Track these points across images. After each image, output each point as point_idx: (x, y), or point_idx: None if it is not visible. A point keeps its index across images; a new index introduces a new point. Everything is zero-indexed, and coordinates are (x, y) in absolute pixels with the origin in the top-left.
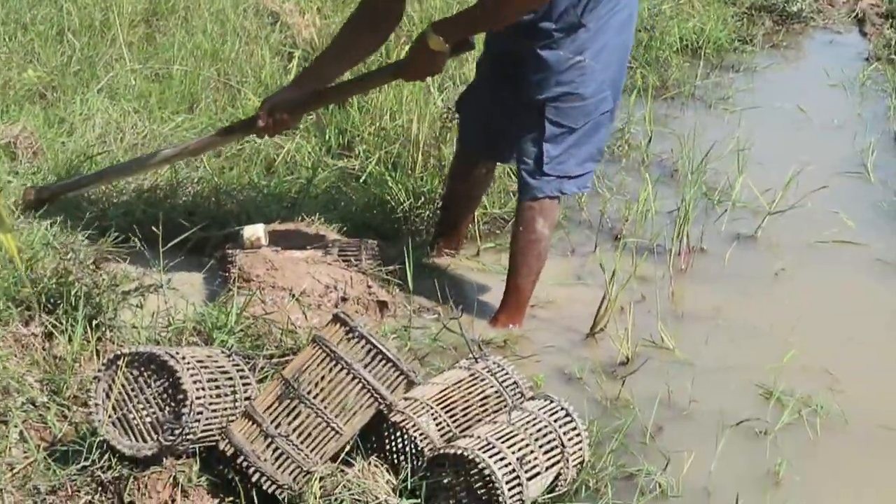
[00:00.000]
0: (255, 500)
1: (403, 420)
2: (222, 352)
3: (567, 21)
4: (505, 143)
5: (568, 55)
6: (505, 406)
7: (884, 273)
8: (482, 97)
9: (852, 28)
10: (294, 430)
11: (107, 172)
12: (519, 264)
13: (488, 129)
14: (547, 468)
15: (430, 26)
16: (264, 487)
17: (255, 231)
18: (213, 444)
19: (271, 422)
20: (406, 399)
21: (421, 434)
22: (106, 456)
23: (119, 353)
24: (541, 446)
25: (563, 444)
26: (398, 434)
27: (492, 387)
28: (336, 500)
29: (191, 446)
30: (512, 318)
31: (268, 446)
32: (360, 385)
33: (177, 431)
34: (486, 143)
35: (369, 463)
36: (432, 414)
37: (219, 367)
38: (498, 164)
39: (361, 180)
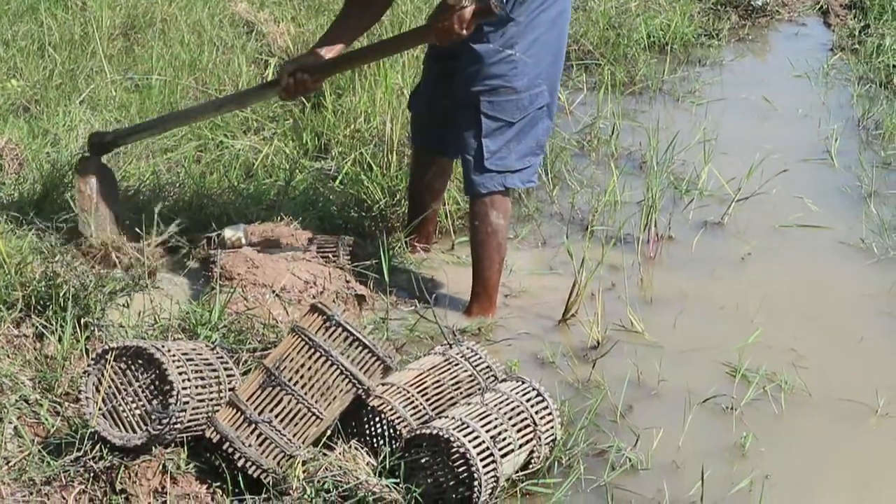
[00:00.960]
0: (241, 485)
1: (381, 404)
2: (207, 346)
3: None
4: (450, 139)
5: (497, 48)
6: (479, 388)
7: (846, 255)
8: (427, 95)
9: (817, 20)
10: (276, 416)
11: (161, 121)
12: (481, 257)
13: (433, 126)
14: (520, 446)
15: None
16: (249, 472)
17: (235, 231)
18: (200, 432)
19: (254, 409)
20: (383, 384)
21: (398, 417)
22: (97, 447)
23: (107, 347)
24: (514, 425)
25: (535, 423)
26: (376, 418)
27: (465, 371)
28: (319, 482)
29: (178, 435)
30: (483, 309)
31: (252, 433)
32: (339, 371)
33: (165, 421)
34: (434, 139)
35: (350, 446)
36: (408, 397)
37: (203, 359)
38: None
39: (338, 181)
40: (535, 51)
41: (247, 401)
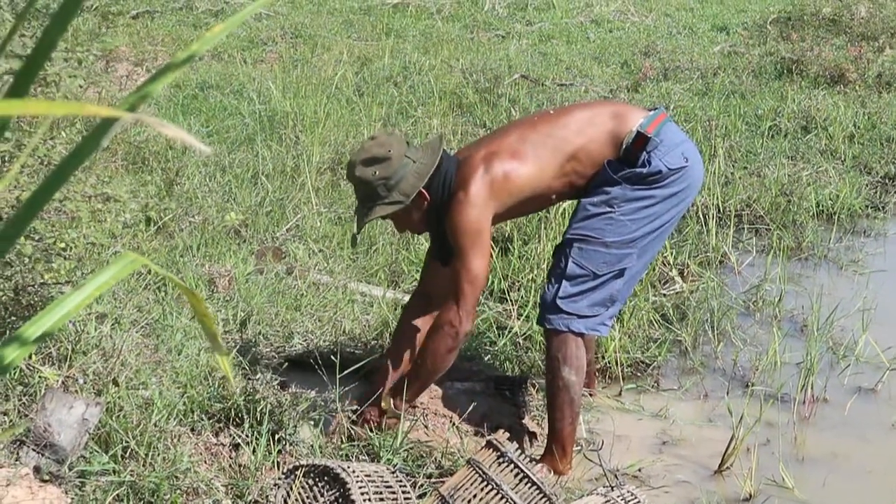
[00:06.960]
0: None
1: None
2: (388, 469)
3: (602, 177)
4: None
5: (598, 203)
6: None
7: None
8: None
9: None
10: None
11: None
12: (553, 410)
13: None
14: None
15: (387, 393)
16: None
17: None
18: None
19: None
20: None
21: None
22: None
23: (297, 464)
24: None
25: None
26: None
27: None
28: None
29: None
30: (554, 463)
31: None
32: None
33: None
34: None
35: None
36: None
37: (384, 481)
38: None
39: (518, 323)
40: (637, 216)
41: None
